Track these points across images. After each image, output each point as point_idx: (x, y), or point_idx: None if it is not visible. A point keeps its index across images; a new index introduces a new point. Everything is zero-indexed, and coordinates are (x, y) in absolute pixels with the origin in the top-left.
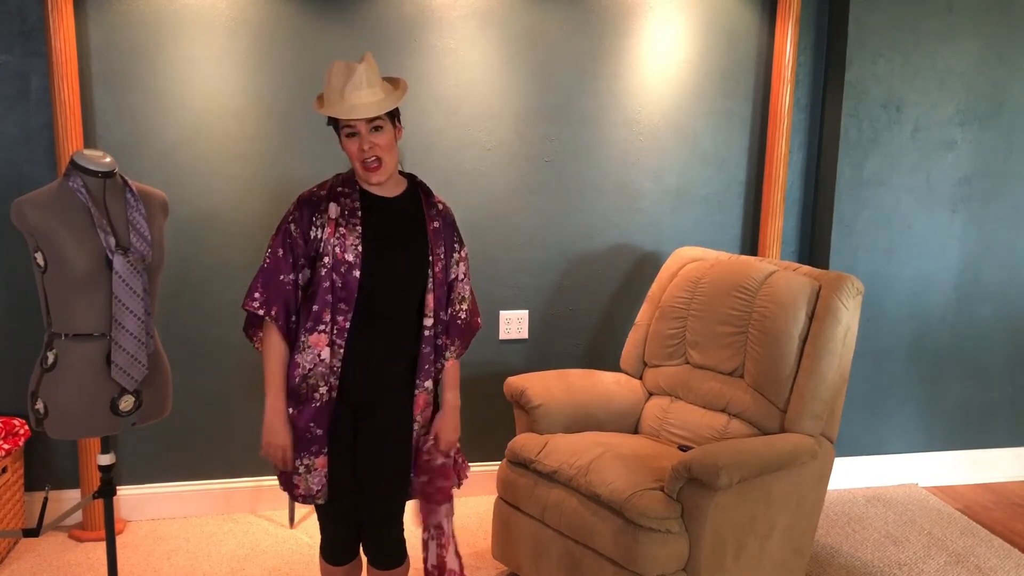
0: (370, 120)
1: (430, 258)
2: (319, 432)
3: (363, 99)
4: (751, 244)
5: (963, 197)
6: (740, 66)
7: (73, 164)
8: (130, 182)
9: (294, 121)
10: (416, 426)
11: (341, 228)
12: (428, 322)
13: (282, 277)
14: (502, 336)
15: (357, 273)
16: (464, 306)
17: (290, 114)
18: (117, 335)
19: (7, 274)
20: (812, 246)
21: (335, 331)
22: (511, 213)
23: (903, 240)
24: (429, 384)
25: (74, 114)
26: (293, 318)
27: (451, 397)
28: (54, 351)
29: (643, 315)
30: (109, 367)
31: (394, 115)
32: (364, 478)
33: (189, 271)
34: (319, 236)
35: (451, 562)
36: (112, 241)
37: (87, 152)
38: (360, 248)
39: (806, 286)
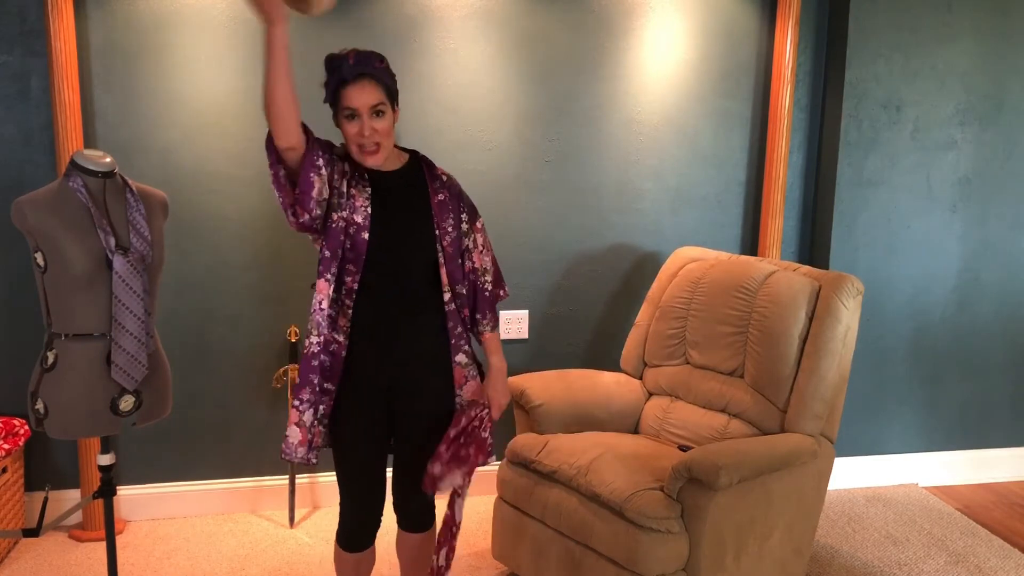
0: (373, 104)
1: (436, 232)
2: (302, 382)
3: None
4: (751, 244)
5: (963, 197)
6: (740, 66)
7: (73, 164)
8: (130, 182)
9: None
10: (459, 400)
11: (352, 189)
12: (447, 297)
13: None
14: (502, 336)
15: (366, 235)
16: (487, 277)
17: None
18: (117, 335)
19: (7, 274)
20: (812, 246)
21: (343, 291)
22: (511, 213)
23: (903, 240)
24: (461, 358)
25: (74, 114)
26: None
27: (496, 361)
28: (54, 351)
29: (643, 315)
30: (109, 367)
31: (394, 99)
32: (401, 446)
33: (189, 271)
34: (334, 168)
35: (458, 515)
36: (112, 241)
37: (87, 152)
38: (369, 210)
39: (806, 286)
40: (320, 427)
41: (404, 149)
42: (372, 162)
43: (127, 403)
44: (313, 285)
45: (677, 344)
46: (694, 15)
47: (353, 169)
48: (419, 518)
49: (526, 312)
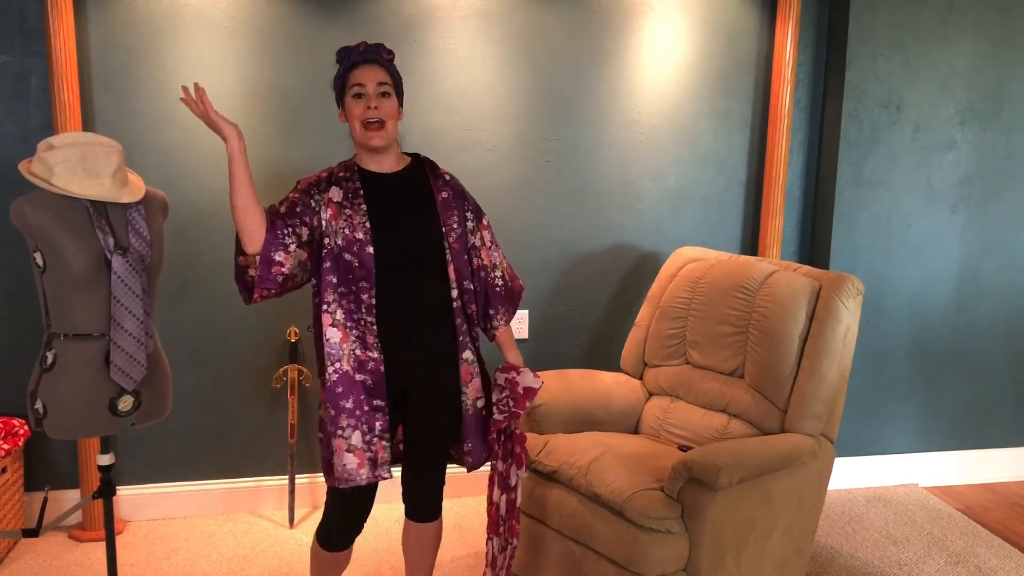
0: (380, 81)
1: (443, 229)
2: (336, 412)
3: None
4: (751, 244)
5: (963, 197)
6: (740, 66)
7: None
8: None
9: (294, 120)
10: (466, 397)
11: (346, 210)
12: (454, 294)
13: (281, 207)
14: None
15: (371, 249)
16: (498, 272)
17: (290, 113)
18: (116, 335)
19: (7, 274)
20: (812, 246)
21: (363, 309)
22: (511, 213)
23: (903, 240)
24: (468, 355)
25: (74, 114)
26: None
27: (512, 357)
28: (53, 351)
29: (643, 315)
30: (108, 367)
31: (399, 91)
32: (412, 439)
33: (189, 271)
34: (318, 211)
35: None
36: (111, 241)
37: None
38: (368, 225)
39: (806, 286)
40: (382, 442)
41: (407, 153)
42: (375, 142)
43: (126, 403)
44: (309, 328)
45: (677, 344)
46: (694, 15)
47: (346, 191)
48: (429, 507)
49: (526, 312)
